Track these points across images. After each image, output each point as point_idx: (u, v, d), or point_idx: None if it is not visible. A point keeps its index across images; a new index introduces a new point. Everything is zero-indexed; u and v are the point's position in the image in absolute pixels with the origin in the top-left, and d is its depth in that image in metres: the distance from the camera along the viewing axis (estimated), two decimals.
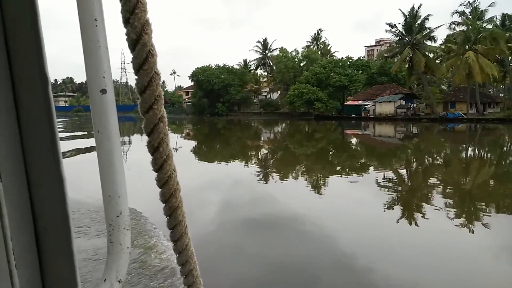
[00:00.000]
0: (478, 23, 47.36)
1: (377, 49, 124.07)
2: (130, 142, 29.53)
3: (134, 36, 0.62)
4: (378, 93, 61.19)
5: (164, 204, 0.75)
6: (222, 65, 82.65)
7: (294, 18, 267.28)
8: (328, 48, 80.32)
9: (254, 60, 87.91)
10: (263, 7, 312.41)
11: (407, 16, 48.16)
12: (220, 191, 13.11)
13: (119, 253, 0.70)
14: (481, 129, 39.28)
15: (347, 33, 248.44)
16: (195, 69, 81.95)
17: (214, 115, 79.44)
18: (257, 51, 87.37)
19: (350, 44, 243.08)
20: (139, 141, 28.86)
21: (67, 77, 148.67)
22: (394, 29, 49.15)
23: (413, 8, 48.22)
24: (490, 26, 48.22)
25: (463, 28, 48.07)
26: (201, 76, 79.97)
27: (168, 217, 0.77)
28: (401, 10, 48.68)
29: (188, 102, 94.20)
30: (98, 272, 5.61)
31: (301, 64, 67.05)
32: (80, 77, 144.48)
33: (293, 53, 68.06)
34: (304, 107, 56.90)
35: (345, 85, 54.17)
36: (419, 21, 48.35)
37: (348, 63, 57.40)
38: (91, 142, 24.30)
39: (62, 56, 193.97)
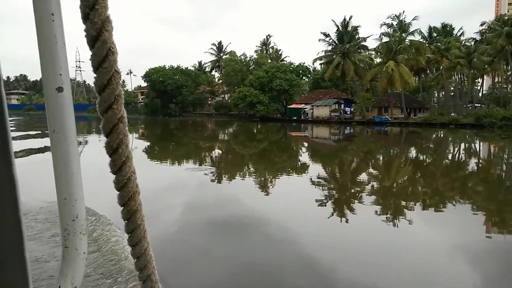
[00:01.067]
0: (403, 35, 51.80)
1: None
2: (86, 143, 28.65)
3: (93, 33, 0.59)
4: (319, 98, 65.04)
5: (123, 208, 0.73)
6: (176, 66, 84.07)
7: (260, 23, 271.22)
8: (280, 53, 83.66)
9: (209, 62, 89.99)
10: (232, 9, 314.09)
11: (339, 26, 51.91)
12: (170, 191, 12.64)
13: (75, 258, 0.67)
14: (400, 132, 43.42)
15: (314, 39, 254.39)
16: (149, 69, 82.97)
17: (167, 115, 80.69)
18: (211, 53, 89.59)
19: (314, 50, 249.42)
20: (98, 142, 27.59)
21: (21, 75, 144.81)
22: (327, 38, 52.79)
23: (344, 19, 52.10)
24: (413, 38, 52.86)
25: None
26: (155, 76, 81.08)
27: (126, 221, 0.75)
28: (333, 21, 52.42)
29: (142, 102, 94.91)
30: (52, 280, 5.33)
31: (250, 68, 69.79)
32: (34, 74, 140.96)
33: (242, 57, 70.70)
34: (247, 109, 59.60)
35: (285, 89, 57.31)
36: (352, 32, 52.20)
37: (290, 68, 60.65)
38: (45, 142, 24.09)
39: (16, 52, 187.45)
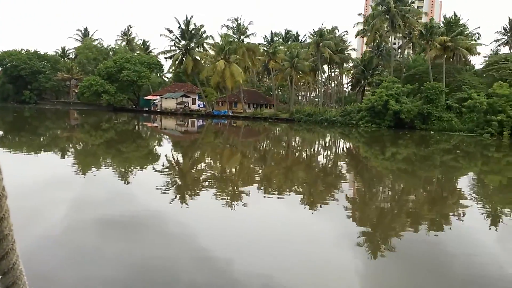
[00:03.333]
0: (242, 37, 57.13)
1: None
2: None
3: None
4: (175, 90, 67.80)
5: None
6: (33, 51, 79.12)
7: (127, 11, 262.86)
8: (148, 44, 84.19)
9: (73, 48, 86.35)
10: None
11: (181, 24, 55.13)
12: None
13: None
14: (230, 123, 48.59)
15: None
16: (0, 52, 76.76)
17: (21, 102, 75.72)
18: (76, 39, 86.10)
19: None
20: None
21: None
22: (171, 34, 55.63)
23: (186, 17, 55.49)
24: (250, 40, 58.53)
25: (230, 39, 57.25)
26: (7, 60, 75.50)
27: None
28: (176, 18, 55.44)
29: None
30: None
31: (108, 58, 69.32)
32: None
33: (99, 45, 69.89)
34: (93, 98, 59.58)
35: (134, 80, 58.75)
36: (192, 30, 55.72)
37: (142, 60, 62.08)
38: None
39: None
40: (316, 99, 69.34)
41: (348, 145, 33.79)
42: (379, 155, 25.14)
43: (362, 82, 61.00)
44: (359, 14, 62.24)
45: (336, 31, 65.75)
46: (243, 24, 57.51)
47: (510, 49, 61.85)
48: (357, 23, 60.06)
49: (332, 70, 67.02)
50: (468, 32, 55.01)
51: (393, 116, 42.83)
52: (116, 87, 58.60)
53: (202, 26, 58.24)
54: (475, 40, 59.38)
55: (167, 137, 33.99)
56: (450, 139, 35.04)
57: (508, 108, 36.12)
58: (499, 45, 63.47)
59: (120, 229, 8.14)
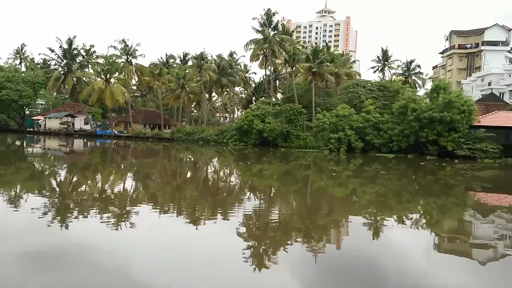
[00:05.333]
0: (129, 57, 57.95)
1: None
2: None
3: None
4: (66, 110, 66.37)
5: None
6: None
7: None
8: (49, 63, 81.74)
9: None
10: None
11: (62, 43, 54.73)
12: None
13: None
14: (112, 144, 48.43)
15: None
16: None
17: None
18: None
19: None
20: None
21: None
22: (53, 54, 54.94)
23: (69, 38, 55.23)
24: (137, 61, 59.52)
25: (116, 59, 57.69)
26: None
27: None
28: (57, 38, 54.94)
29: None
30: None
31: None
32: None
33: None
34: None
35: (14, 100, 56.67)
36: (73, 50, 55.51)
37: (25, 79, 60.19)
38: None
39: None
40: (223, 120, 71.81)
41: (208, 162, 35.43)
42: (247, 171, 26.57)
43: (253, 103, 64.54)
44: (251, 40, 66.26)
45: (235, 55, 69.13)
46: (131, 45, 58.40)
47: (382, 75, 69.27)
48: (249, 48, 63.90)
49: (224, 91, 70.03)
50: (345, 59, 60.93)
51: (258, 135, 45.76)
52: None
53: (92, 46, 58.26)
54: (352, 67, 65.98)
55: (40, 158, 33.12)
56: (306, 155, 38.12)
57: (347, 127, 40.41)
58: (374, 72, 70.81)
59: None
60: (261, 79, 71.98)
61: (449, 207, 15.59)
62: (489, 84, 63.36)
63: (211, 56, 62.27)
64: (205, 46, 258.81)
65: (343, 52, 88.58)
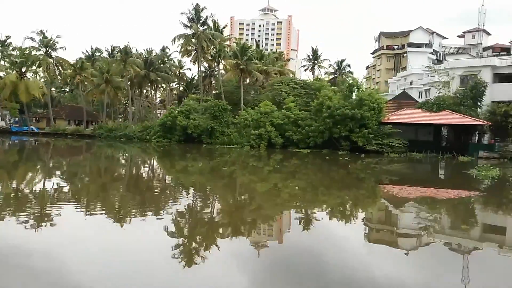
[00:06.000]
0: (48, 50, 54.41)
1: None
2: None
3: None
4: None
5: None
6: None
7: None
8: None
9: None
10: None
11: None
12: None
13: None
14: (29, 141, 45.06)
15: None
16: None
17: None
18: None
19: None
20: None
21: None
22: None
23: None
24: (57, 54, 56.10)
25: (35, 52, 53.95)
26: None
27: None
28: None
29: None
30: None
31: None
32: None
33: None
34: None
35: None
36: None
37: None
38: None
39: None
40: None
41: (132, 158, 34.01)
42: (172, 168, 25.65)
43: (183, 99, 63.49)
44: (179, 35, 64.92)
45: (167, 50, 67.45)
46: (50, 37, 54.85)
47: (312, 74, 71.34)
48: (180, 44, 62.54)
49: (158, 87, 68.36)
50: (275, 57, 61.84)
51: (182, 132, 45.00)
52: None
53: (8, 37, 54.15)
54: (286, 66, 67.21)
55: None
56: (229, 152, 37.92)
57: (268, 123, 40.95)
58: (305, 70, 72.76)
59: None
60: (193, 75, 71.18)
61: (370, 199, 16.32)
62: (411, 83, 67.47)
63: (141, 50, 60.50)
64: (144, 40, 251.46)
65: (276, 50, 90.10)
